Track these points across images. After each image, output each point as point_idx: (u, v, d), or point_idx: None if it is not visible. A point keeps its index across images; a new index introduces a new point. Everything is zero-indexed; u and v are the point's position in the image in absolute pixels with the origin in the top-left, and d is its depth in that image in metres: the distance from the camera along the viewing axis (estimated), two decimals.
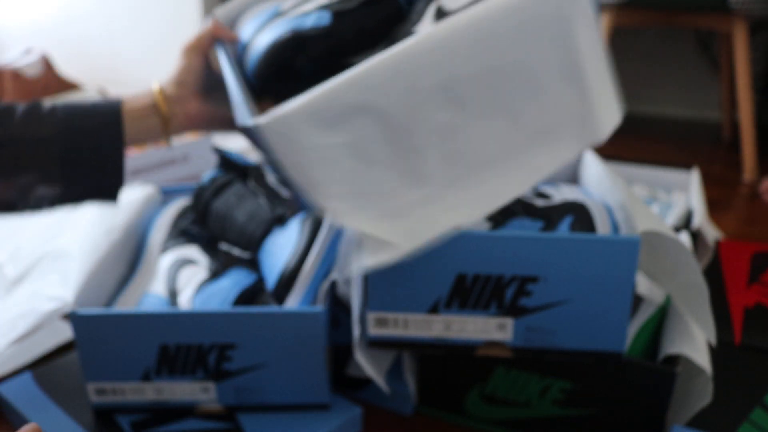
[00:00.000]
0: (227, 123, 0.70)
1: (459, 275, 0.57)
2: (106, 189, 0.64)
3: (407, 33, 0.61)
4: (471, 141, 0.54)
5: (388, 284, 0.59)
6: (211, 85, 0.70)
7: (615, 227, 0.64)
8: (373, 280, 0.59)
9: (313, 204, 0.52)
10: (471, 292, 0.58)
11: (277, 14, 0.66)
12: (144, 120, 0.66)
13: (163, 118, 0.66)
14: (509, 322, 0.59)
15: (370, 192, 0.52)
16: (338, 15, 0.61)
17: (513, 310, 0.58)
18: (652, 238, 0.58)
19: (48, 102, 0.62)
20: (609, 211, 0.66)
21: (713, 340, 0.60)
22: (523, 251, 0.56)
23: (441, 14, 0.59)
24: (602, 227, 0.63)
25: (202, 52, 0.69)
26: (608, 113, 0.57)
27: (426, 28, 0.59)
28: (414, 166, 0.53)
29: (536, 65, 0.53)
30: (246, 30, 0.68)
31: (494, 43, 0.51)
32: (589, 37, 0.55)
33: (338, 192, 0.51)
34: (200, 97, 0.69)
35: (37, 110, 0.61)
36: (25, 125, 0.59)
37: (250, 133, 0.52)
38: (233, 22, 0.73)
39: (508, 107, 0.54)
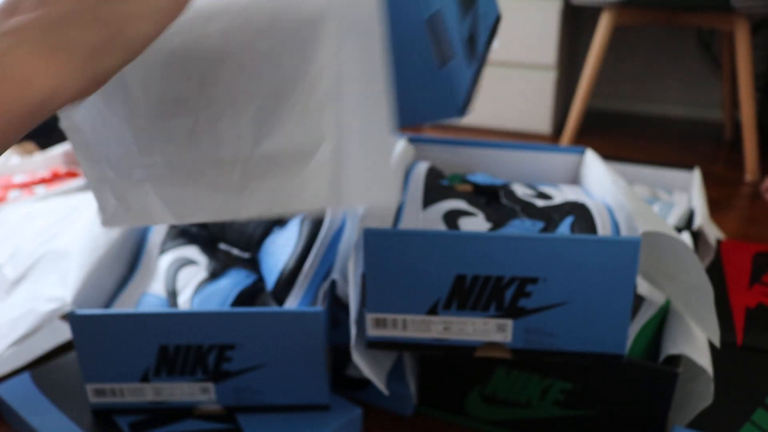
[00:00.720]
0: None
1: (458, 276, 0.57)
2: None
3: None
4: (204, 130, 0.44)
5: (386, 285, 0.58)
6: None
7: (616, 228, 0.64)
8: (371, 280, 0.58)
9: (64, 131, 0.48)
10: (470, 293, 0.58)
11: None
12: None
13: None
14: (509, 323, 0.59)
15: (107, 138, 0.47)
16: None
17: (512, 311, 0.58)
18: (654, 238, 0.57)
19: None
20: (610, 212, 0.66)
21: (717, 342, 0.59)
22: (523, 252, 0.56)
23: None
24: (603, 228, 0.63)
25: None
26: (364, 180, 0.42)
27: None
28: (146, 130, 0.46)
29: (284, 76, 0.42)
30: None
31: (245, 33, 0.42)
32: (363, 74, 0.42)
33: (80, 121, 0.48)
34: None
35: None
36: None
37: None
38: None
39: (247, 108, 0.43)
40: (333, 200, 0.42)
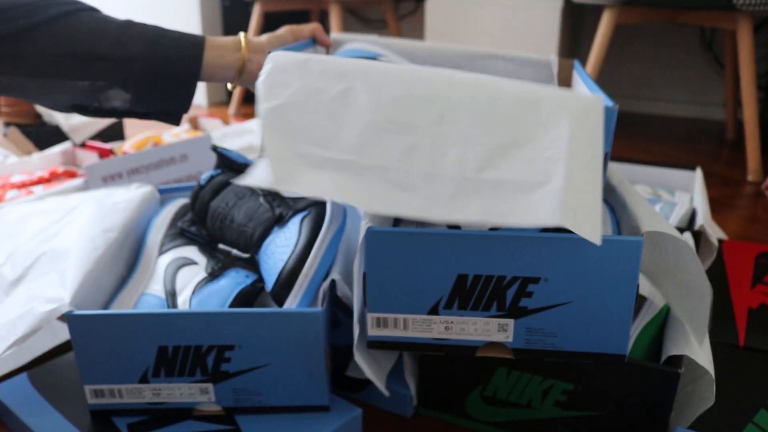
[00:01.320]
0: None
1: (459, 275, 0.57)
2: (173, 112, 0.72)
3: None
4: (423, 150, 0.55)
5: (387, 285, 0.58)
6: None
7: (616, 226, 0.64)
8: (372, 280, 0.58)
9: (259, 111, 0.57)
10: (472, 293, 0.57)
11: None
12: (223, 56, 0.71)
13: (241, 57, 0.72)
14: (510, 323, 0.58)
15: (306, 130, 0.56)
16: None
17: (514, 311, 0.58)
18: (656, 237, 0.57)
19: (140, 24, 0.69)
20: (610, 211, 0.65)
21: (702, 343, 0.59)
22: (525, 251, 0.55)
23: None
24: (603, 227, 0.63)
25: (298, 36, 0.79)
26: (578, 216, 0.51)
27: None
28: (355, 135, 0.56)
29: (522, 134, 0.55)
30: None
31: (496, 99, 0.56)
32: (586, 149, 0.54)
33: (283, 112, 0.56)
34: None
35: (130, 30, 0.68)
36: (117, 45, 0.66)
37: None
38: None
39: (477, 147, 0.54)
40: (553, 219, 0.50)
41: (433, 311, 0.59)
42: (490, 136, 0.54)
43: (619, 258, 0.55)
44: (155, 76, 0.68)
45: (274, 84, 0.58)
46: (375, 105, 0.56)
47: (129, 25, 0.68)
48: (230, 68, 0.72)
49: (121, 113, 0.71)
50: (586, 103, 0.55)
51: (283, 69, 0.58)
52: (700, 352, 0.60)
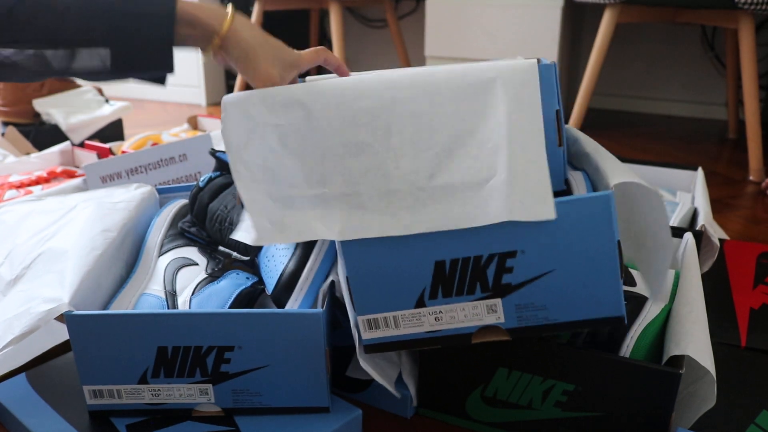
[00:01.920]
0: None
1: (437, 262, 0.56)
2: (154, 74, 0.68)
3: None
4: (376, 168, 0.58)
5: (370, 285, 0.58)
6: None
7: (588, 184, 0.63)
8: (354, 283, 0.58)
9: (229, 160, 0.62)
10: (452, 278, 0.57)
11: None
12: (198, 23, 0.65)
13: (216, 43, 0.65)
14: (498, 302, 0.58)
15: (275, 173, 0.61)
16: None
17: (498, 289, 0.57)
18: (623, 188, 0.58)
19: None
20: (585, 176, 0.65)
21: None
22: (496, 226, 0.54)
23: None
24: (576, 187, 0.63)
25: (304, 64, 0.69)
26: (530, 201, 0.54)
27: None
28: (318, 167, 0.60)
29: (462, 128, 0.58)
30: None
31: (431, 97, 0.59)
32: (526, 124, 0.56)
33: (250, 160, 0.61)
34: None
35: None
36: (81, 10, 0.62)
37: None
38: None
39: (423, 153, 0.58)
40: (502, 215, 0.54)
41: (420, 303, 0.58)
42: (435, 139, 0.58)
43: (592, 216, 0.54)
44: (128, 31, 0.63)
45: (234, 130, 0.62)
46: (329, 130, 0.60)
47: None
48: (204, 35, 0.66)
49: (100, 74, 0.66)
50: (519, 69, 0.58)
51: (238, 111, 0.62)
52: (702, 352, 0.59)
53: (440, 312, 0.59)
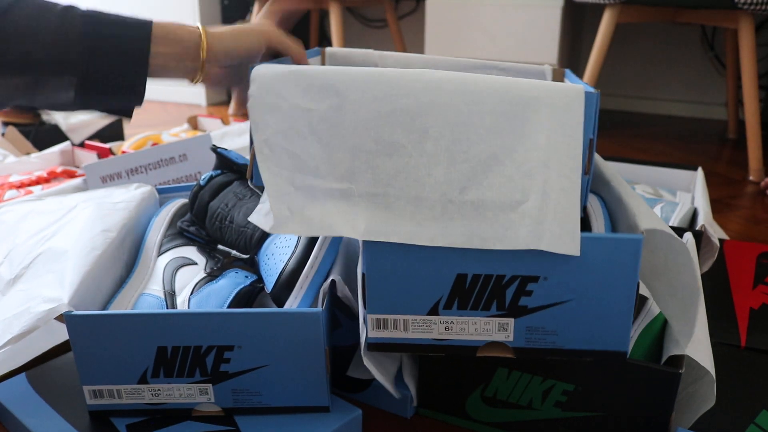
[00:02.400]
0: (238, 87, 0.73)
1: (459, 275, 0.57)
2: (123, 104, 0.67)
3: None
4: (408, 172, 0.56)
5: (386, 286, 0.58)
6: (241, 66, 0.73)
7: (608, 220, 0.64)
8: (371, 281, 0.58)
9: (253, 143, 0.60)
10: (471, 292, 0.57)
11: None
12: (177, 41, 0.66)
13: (200, 42, 0.67)
14: (510, 322, 0.58)
15: (300, 159, 0.59)
16: None
17: (514, 310, 0.57)
18: (648, 234, 0.57)
19: (80, 14, 0.63)
20: (602, 204, 0.65)
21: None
22: (525, 250, 0.55)
23: None
24: (596, 222, 0.63)
25: (270, 48, 0.72)
26: (558, 233, 0.53)
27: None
28: (347, 161, 0.57)
29: (500, 145, 0.55)
30: None
31: (473, 108, 0.56)
32: (565, 152, 0.55)
33: (274, 141, 0.59)
34: (230, 70, 0.72)
35: (69, 19, 0.62)
36: (55, 37, 0.61)
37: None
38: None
39: (459, 165, 0.56)
40: (530, 243, 0.53)
41: (433, 311, 0.58)
42: (472, 152, 0.56)
43: (619, 256, 0.54)
44: (100, 57, 0.62)
45: (263, 108, 0.59)
46: (362, 124, 0.57)
47: (67, 14, 0.62)
48: (185, 55, 0.67)
49: (68, 106, 0.65)
50: (565, 94, 0.56)
51: (270, 89, 0.59)
52: (701, 352, 0.59)
53: (451, 322, 0.59)
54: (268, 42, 0.72)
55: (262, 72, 0.60)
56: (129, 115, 0.70)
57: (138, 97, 0.66)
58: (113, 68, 0.63)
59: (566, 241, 0.53)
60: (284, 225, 0.57)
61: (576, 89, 0.56)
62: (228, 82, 0.74)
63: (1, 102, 0.63)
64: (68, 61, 0.62)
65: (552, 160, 0.54)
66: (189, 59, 0.67)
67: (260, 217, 0.60)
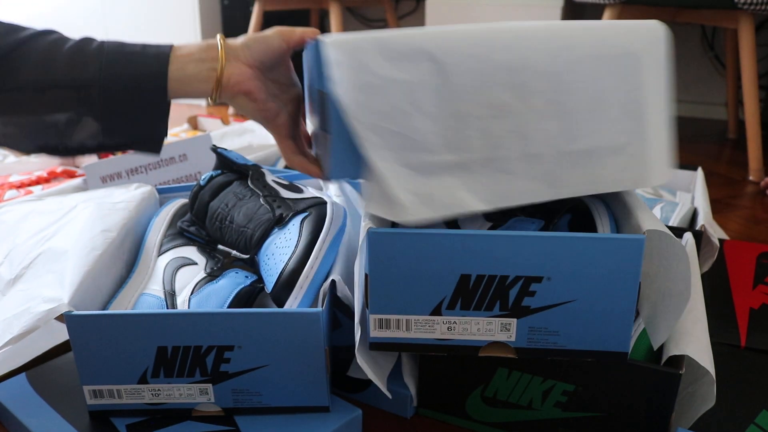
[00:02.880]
0: (269, 112, 0.65)
1: (462, 276, 0.57)
2: (149, 139, 0.64)
3: None
4: (519, 131, 0.55)
5: (389, 286, 0.58)
6: (272, 76, 0.67)
7: (614, 223, 0.64)
8: (374, 280, 0.58)
9: (352, 131, 0.54)
10: (474, 293, 0.57)
11: None
12: (197, 64, 0.62)
13: (219, 68, 0.62)
14: (513, 322, 0.58)
15: (408, 137, 0.54)
16: None
17: (517, 310, 0.57)
18: (649, 237, 0.57)
19: (97, 40, 0.62)
20: (607, 208, 0.65)
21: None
22: (528, 251, 0.55)
23: None
24: (602, 224, 0.63)
25: (288, 39, 0.65)
26: (659, 166, 0.58)
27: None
28: (458, 130, 0.55)
29: (602, 90, 0.56)
30: None
31: (570, 54, 0.55)
32: (656, 88, 0.58)
33: (378, 125, 0.54)
34: (257, 72, 0.65)
35: (84, 51, 0.60)
36: (70, 67, 0.59)
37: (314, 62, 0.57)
38: None
39: (565, 115, 0.55)
40: (639, 181, 0.58)
41: (436, 312, 0.58)
42: (577, 100, 0.55)
43: (621, 256, 0.55)
44: (118, 98, 0.60)
45: (354, 90, 0.53)
46: (466, 88, 0.54)
47: (84, 43, 0.61)
48: (205, 81, 0.62)
49: (91, 149, 0.63)
50: (657, 46, 0.58)
51: (354, 65, 0.53)
52: (702, 352, 0.59)
53: (454, 322, 0.59)
54: (282, 35, 0.65)
55: (334, 42, 0.53)
56: (158, 149, 0.66)
57: (163, 127, 0.64)
58: (130, 103, 0.61)
59: (665, 172, 0.59)
60: (412, 211, 0.54)
61: (658, 28, 0.58)
62: (256, 89, 0.65)
63: (28, 146, 0.62)
64: (83, 91, 0.60)
65: (648, 98, 0.56)
66: (209, 59, 0.63)
67: (381, 206, 0.55)
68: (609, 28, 0.57)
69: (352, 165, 0.57)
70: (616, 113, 0.56)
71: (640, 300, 0.63)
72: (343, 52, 0.53)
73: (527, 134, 0.55)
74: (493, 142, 0.55)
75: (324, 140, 0.59)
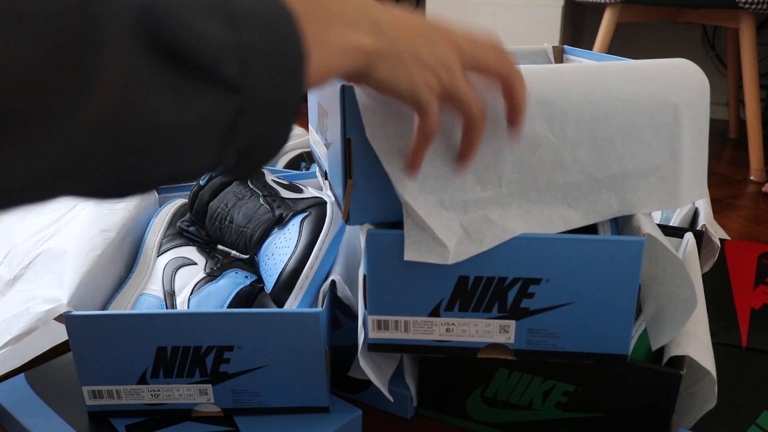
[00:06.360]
0: None
1: (461, 277, 0.56)
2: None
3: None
4: (552, 161, 0.55)
5: (388, 287, 0.57)
6: None
7: (615, 226, 0.63)
8: (372, 282, 0.57)
9: (389, 176, 0.52)
10: (473, 294, 0.57)
11: None
12: None
13: None
14: (511, 324, 0.58)
15: (442, 177, 0.53)
16: None
17: (515, 312, 0.57)
18: (650, 243, 0.57)
19: None
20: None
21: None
22: (526, 252, 0.55)
23: None
24: (602, 226, 0.62)
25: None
26: (692, 189, 0.59)
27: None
28: (491, 165, 0.54)
29: (640, 116, 0.56)
30: None
31: (610, 85, 0.56)
32: (695, 123, 0.59)
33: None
34: None
35: None
36: None
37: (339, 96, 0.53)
38: None
39: (599, 141, 0.56)
40: (671, 203, 0.58)
41: (434, 313, 0.58)
42: (612, 126, 0.56)
43: (620, 258, 0.54)
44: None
45: (382, 134, 0.51)
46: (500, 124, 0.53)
47: None
48: None
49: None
50: (699, 95, 0.59)
51: (389, 109, 0.51)
52: (703, 352, 0.59)
53: (452, 324, 0.59)
54: None
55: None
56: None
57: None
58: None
59: (699, 191, 0.59)
60: (460, 251, 0.53)
61: (698, 73, 0.59)
62: None
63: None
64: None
65: (683, 119, 0.57)
66: None
67: (425, 252, 0.53)
68: (648, 70, 0.58)
69: (374, 210, 0.57)
70: (650, 137, 0.57)
71: (646, 300, 0.62)
72: (373, 97, 0.51)
73: (562, 163, 0.55)
74: (527, 175, 0.55)
75: (341, 182, 0.57)
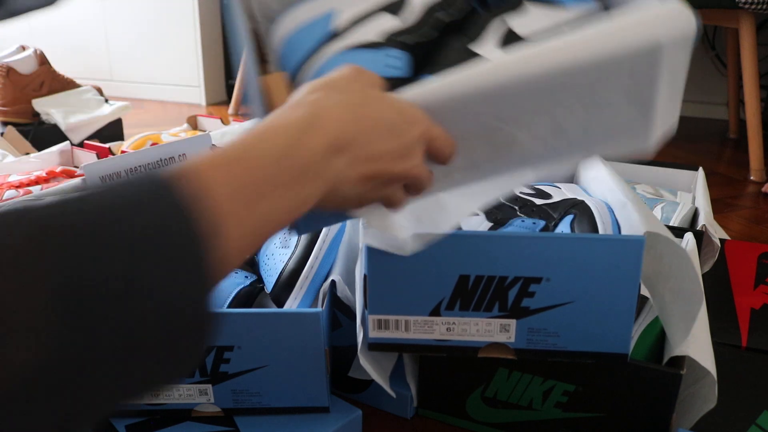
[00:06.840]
0: None
1: (461, 276, 0.56)
2: None
3: (461, 50, 0.55)
4: (510, 143, 0.49)
5: (388, 286, 0.57)
6: None
7: (616, 225, 0.63)
8: (373, 281, 0.57)
9: None
10: (473, 294, 0.57)
11: (332, 35, 0.56)
12: None
13: None
14: (512, 323, 0.58)
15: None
16: (413, 52, 0.54)
17: (516, 311, 0.57)
18: (652, 239, 0.57)
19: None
20: (609, 210, 0.65)
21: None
22: (527, 251, 0.55)
23: (511, 38, 0.53)
24: (603, 225, 0.62)
25: None
26: (662, 125, 0.53)
27: (490, 50, 0.53)
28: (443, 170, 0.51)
29: (604, 89, 0.48)
30: (296, 44, 0.58)
31: (566, 74, 0.47)
32: (675, 67, 0.50)
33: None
34: None
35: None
36: None
37: None
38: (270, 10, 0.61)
39: (558, 120, 0.48)
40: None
41: (435, 312, 0.58)
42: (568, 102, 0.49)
43: (620, 257, 0.54)
44: None
45: None
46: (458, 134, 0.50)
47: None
48: None
49: None
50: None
51: None
52: (703, 352, 0.59)
53: (453, 323, 0.59)
54: None
55: None
56: None
57: None
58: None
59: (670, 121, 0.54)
60: (418, 240, 0.53)
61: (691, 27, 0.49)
62: None
63: None
64: None
65: (663, 83, 0.50)
66: None
67: (383, 241, 0.54)
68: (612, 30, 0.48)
69: (321, 218, 0.51)
70: (619, 101, 0.49)
71: (655, 299, 0.62)
72: None
73: (517, 143, 0.49)
74: (479, 162, 0.50)
75: None
